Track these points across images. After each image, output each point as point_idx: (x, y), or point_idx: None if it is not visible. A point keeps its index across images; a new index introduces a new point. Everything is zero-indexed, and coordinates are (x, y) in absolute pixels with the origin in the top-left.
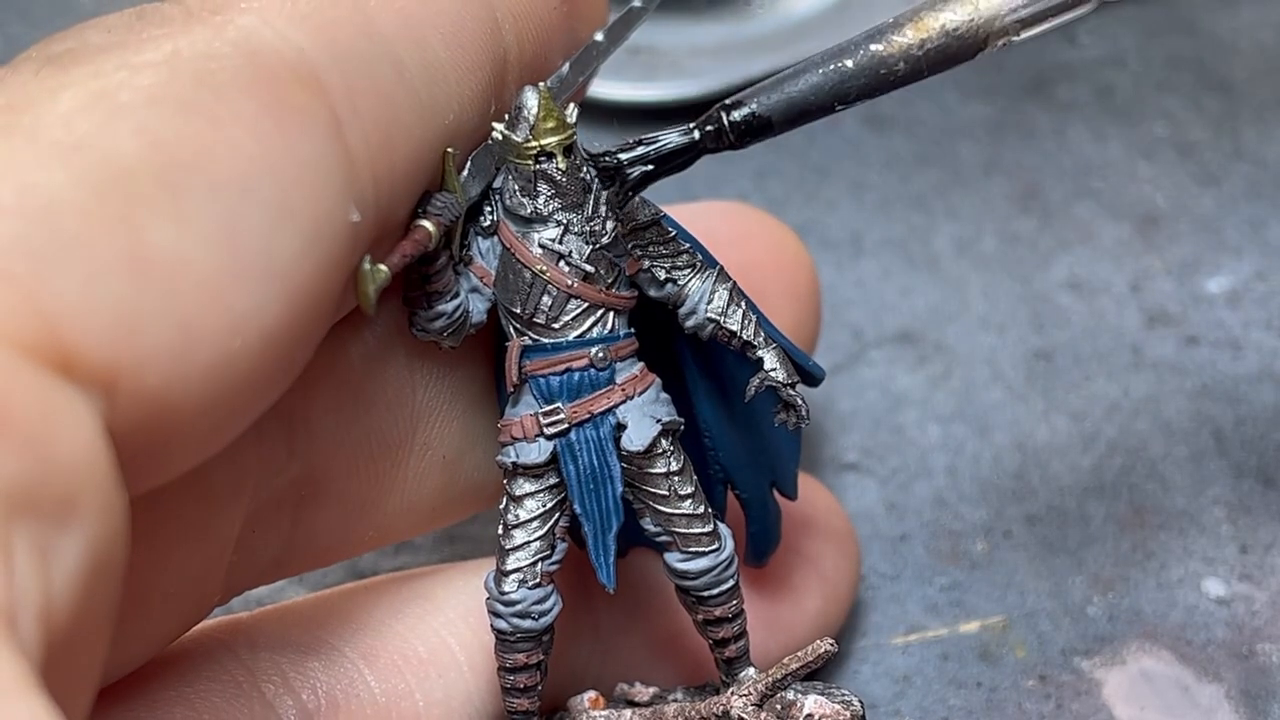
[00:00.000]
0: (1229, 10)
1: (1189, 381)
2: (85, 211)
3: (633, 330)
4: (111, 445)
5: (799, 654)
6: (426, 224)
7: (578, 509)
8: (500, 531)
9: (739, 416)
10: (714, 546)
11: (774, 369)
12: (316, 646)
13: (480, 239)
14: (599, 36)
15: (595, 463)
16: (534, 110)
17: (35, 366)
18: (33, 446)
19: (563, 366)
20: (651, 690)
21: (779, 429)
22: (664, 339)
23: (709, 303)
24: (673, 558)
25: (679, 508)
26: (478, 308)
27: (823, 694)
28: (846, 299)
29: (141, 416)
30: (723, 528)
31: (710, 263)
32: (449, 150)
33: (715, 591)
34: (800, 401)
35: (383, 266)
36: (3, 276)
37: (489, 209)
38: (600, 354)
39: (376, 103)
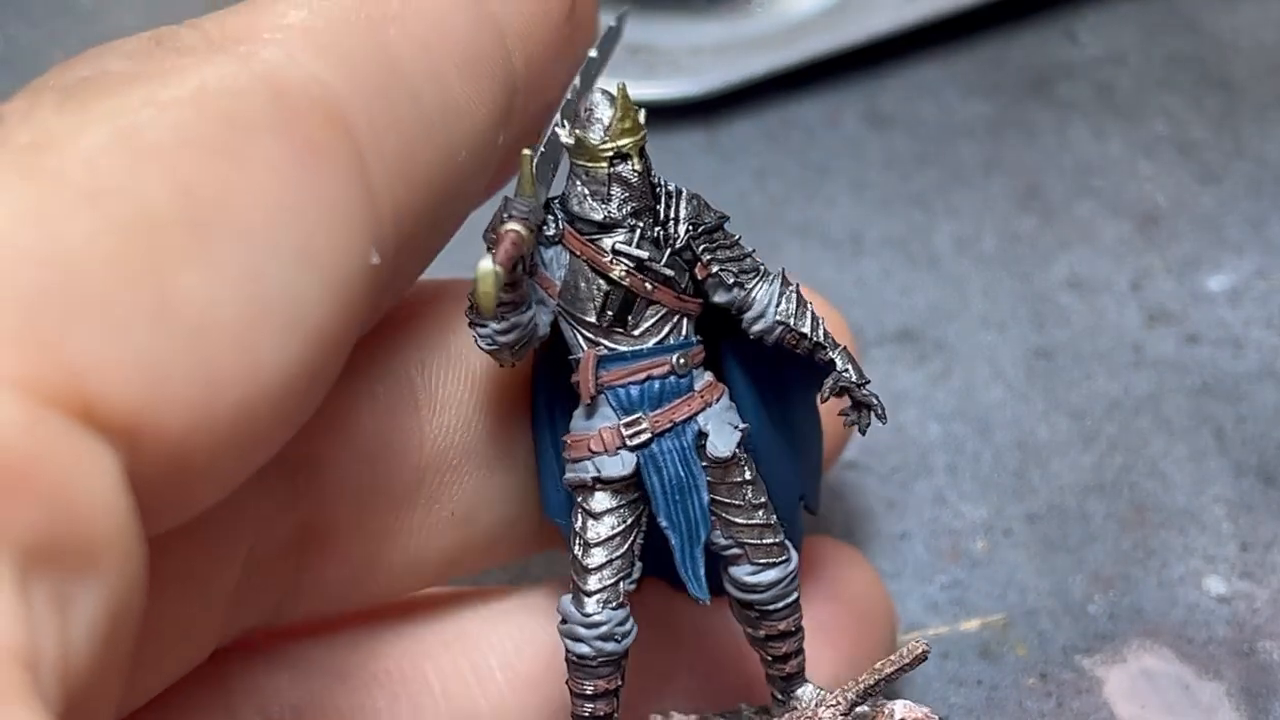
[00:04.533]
0: (1229, 9)
1: (1189, 380)
2: (111, 260)
3: (701, 339)
4: (132, 494)
5: (892, 657)
6: (517, 227)
7: (663, 522)
8: (577, 551)
9: (777, 427)
10: (784, 558)
11: (846, 369)
12: (288, 659)
13: (543, 249)
14: (593, 53)
15: (680, 472)
16: (609, 111)
17: (58, 416)
18: (54, 497)
19: (643, 375)
20: (692, 718)
21: (810, 442)
22: (713, 353)
23: (778, 306)
24: (741, 571)
25: (752, 518)
26: (542, 320)
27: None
28: (847, 298)
29: (163, 464)
30: (786, 541)
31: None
32: (527, 152)
33: (781, 605)
34: (875, 400)
35: (499, 268)
36: (27, 326)
37: (550, 218)
38: (681, 360)
39: (397, 139)
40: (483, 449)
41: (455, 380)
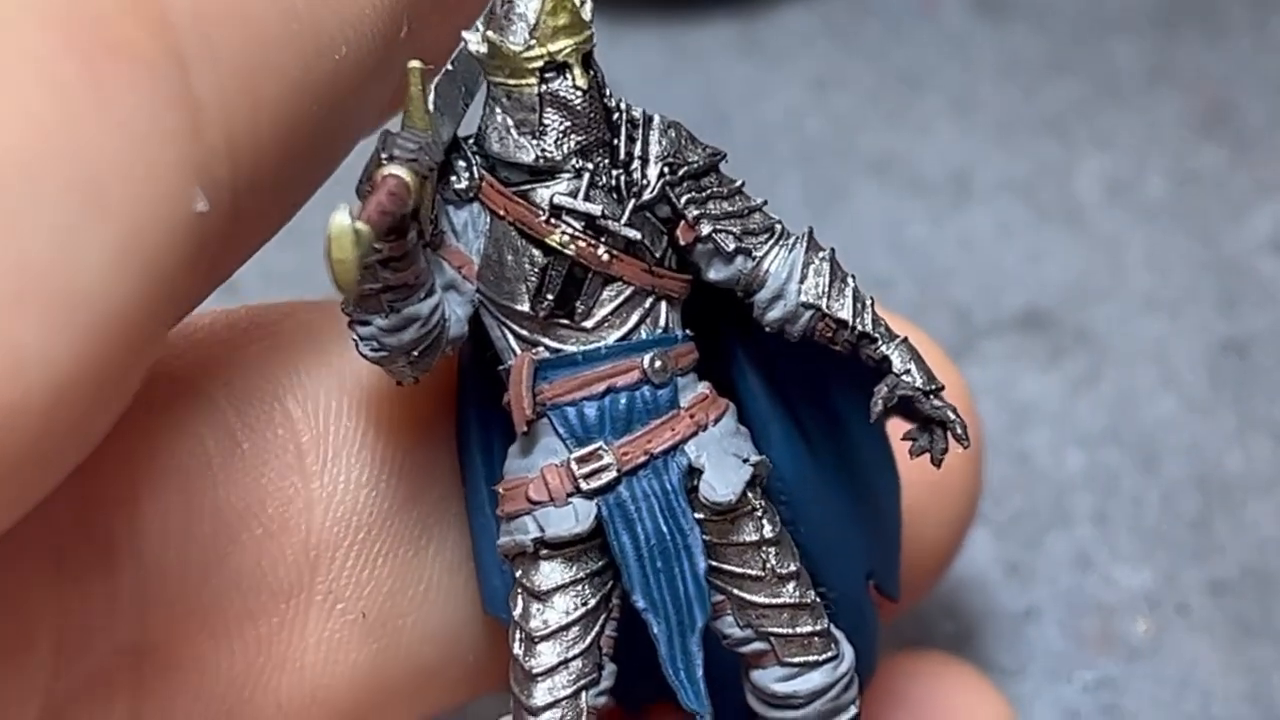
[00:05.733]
0: None
1: None
2: None
3: (691, 334)
4: None
5: None
6: (399, 171)
7: (639, 601)
8: (518, 650)
9: (827, 470)
10: (830, 654)
11: (906, 370)
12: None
13: (452, 210)
14: None
15: (664, 528)
16: (534, 2)
17: None
18: None
19: (602, 386)
20: None
21: (882, 495)
22: (715, 356)
23: (801, 280)
24: (769, 676)
25: (778, 595)
26: (455, 312)
27: None
28: (947, 266)
29: None
30: (834, 629)
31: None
32: (416, 65)
33: None
34: (952, 415)
35: (363, 226)
36: None
37: (462, 164)
38: (657, 363)
39: (238, 33)
40: (403, 516)
41: (356, 414)
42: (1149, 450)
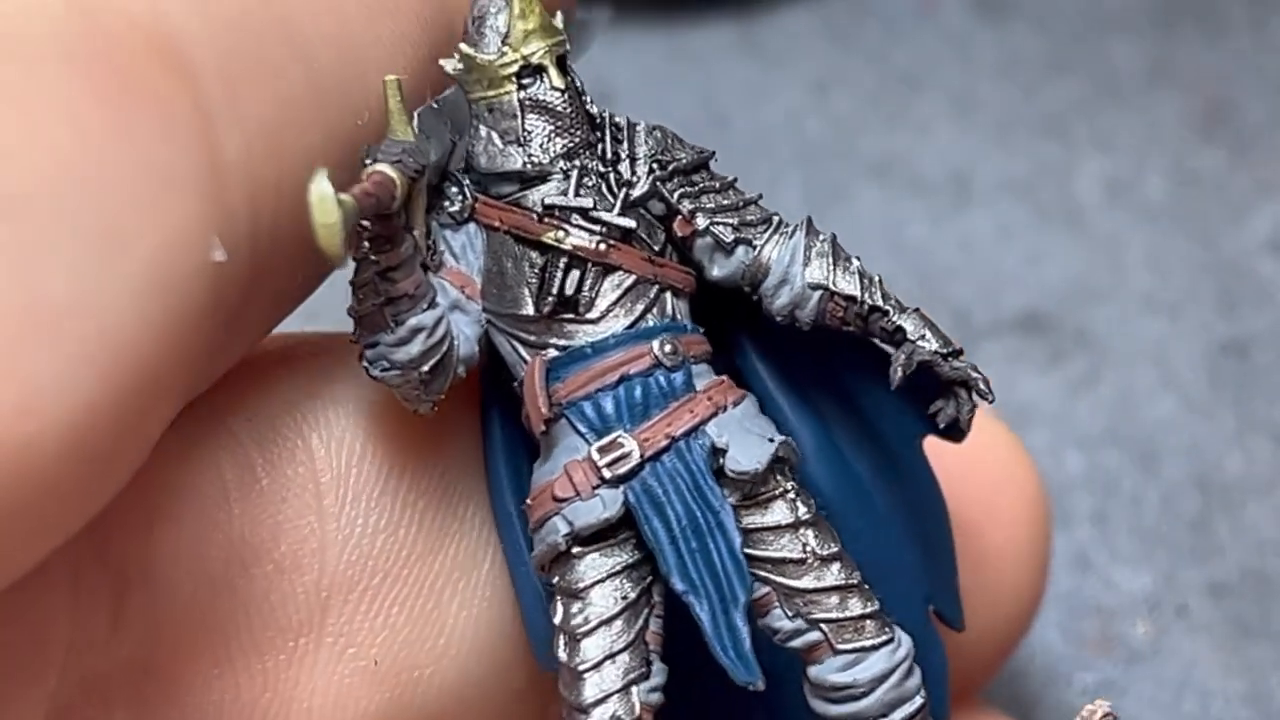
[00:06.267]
0: None
1: None
2: None
3: (701, 329)
4: None
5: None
6: (382, 166)
7: (678, 584)
8: (563, 654)
9: (868, 486)
10: (886, 636)
11: (921, 336)
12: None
13: (449, 233)
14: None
15: (694, 507)
16: (504, 13)
17: None
18: None
19: (615, 375)
20: None
21: (928, 512)
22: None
23: (805, 264)
24: (826, 669)
25: (823, 577)
26: (465, 331)
27: None
28: (947, 266)
29: None
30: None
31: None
32: (391, 78)
33: (902, 715)
34: (974, 373)
35: (347, 196)
36: None
37: (454, 189)
38: (667, 347)
39: (263, 91)
40: (423, 565)
41: (379, 457)
42: (1148, 452)
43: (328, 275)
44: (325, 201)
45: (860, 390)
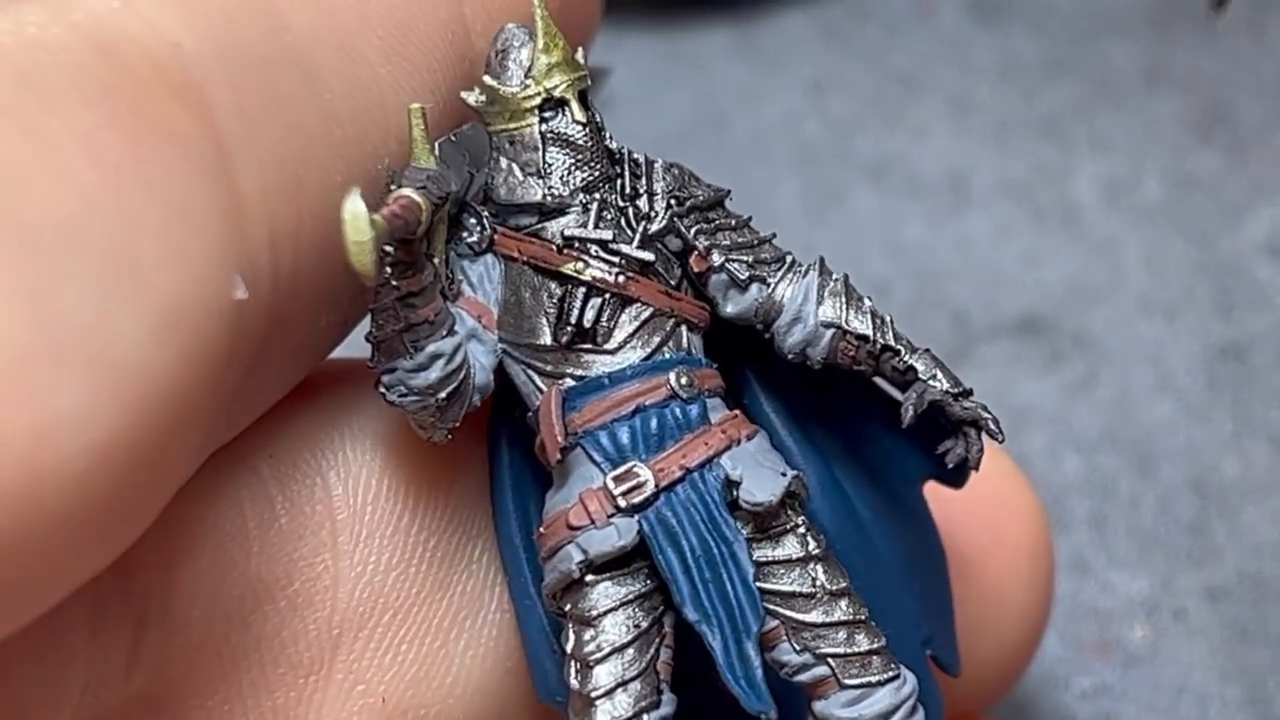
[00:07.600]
0: None
1: None
2: None
3: (715, 364)
4: None
5: None
6: (407, 190)
7: (691, 614)
8: (574, 681)
9: (869, 527)
10: (891, 673)
11: (933, 376)
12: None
13: (467, 264)
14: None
15: (708, 538)
16: (528, 46)
17: None
18: None
19: (632, 405)
20: None
21: (928, 557)
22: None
23: (819, 303)
24: (832, 705)
25: (832, 612)
26: (481, 360)
27: None
28: (945, 268)
29: None
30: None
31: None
32: (415, 106)
33: None
34: (984, 413)
35: (378, 216)
36: None
37: (472, 220)
38: (684, 379)
39: (281, 129)
40: (431, 604)
41: (394, 496)
42: (1146, 454)
43: (352, 325)
44: (358, 219)
45: (864, 432)
